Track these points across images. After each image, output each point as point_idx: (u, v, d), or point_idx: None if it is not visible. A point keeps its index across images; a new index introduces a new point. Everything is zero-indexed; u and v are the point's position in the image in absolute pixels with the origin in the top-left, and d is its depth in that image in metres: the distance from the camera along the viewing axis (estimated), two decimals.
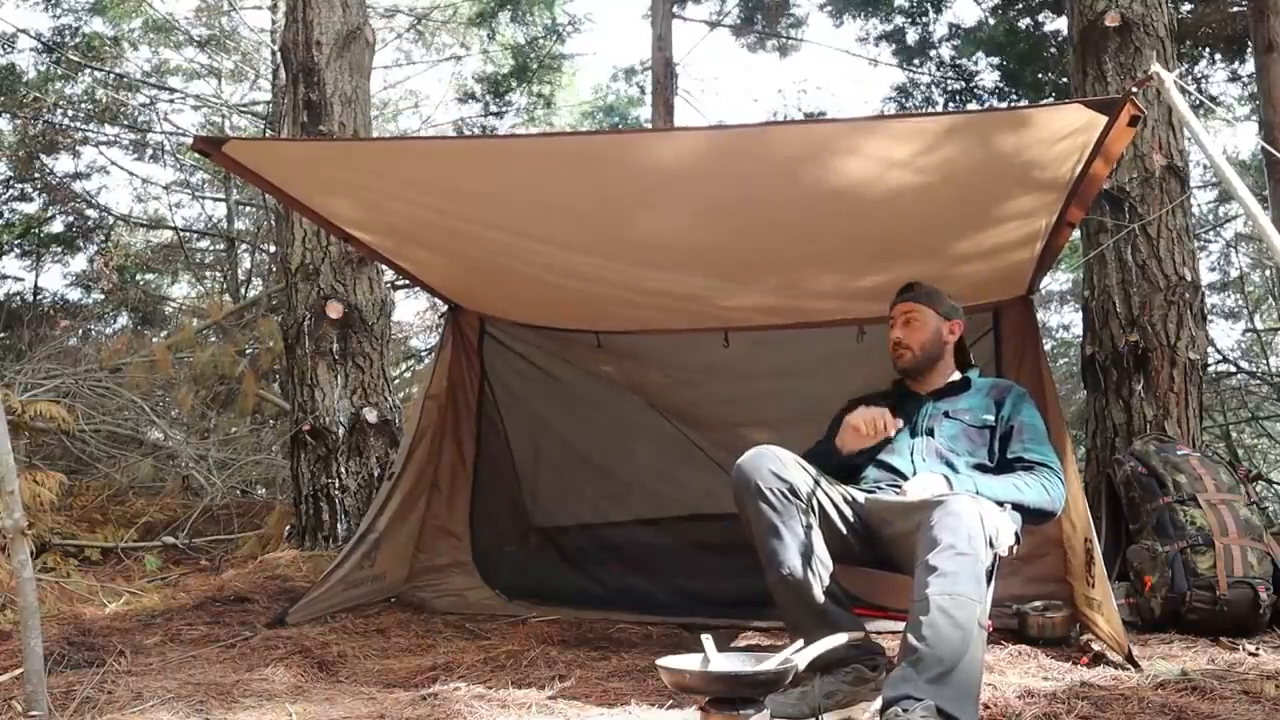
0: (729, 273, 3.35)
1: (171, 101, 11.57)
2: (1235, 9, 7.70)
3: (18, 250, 10.97)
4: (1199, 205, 9.80)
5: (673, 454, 3.95)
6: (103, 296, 11.03)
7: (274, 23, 10.26)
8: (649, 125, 10.81)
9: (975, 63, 9.63)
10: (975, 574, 2.01)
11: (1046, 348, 4.06)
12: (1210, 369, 5.72)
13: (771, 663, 1.87)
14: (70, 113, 10.86)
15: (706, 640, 1.92)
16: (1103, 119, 2.20)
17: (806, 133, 2.98)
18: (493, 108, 12.04)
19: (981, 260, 3.12)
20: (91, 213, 11.31)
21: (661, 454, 3.97)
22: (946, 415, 2.67)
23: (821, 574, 2.28)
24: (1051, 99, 8.39)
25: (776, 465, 2.30)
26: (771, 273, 3.32)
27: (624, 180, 2.75)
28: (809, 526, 2.29)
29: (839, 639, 2.03)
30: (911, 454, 2.61)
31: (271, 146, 3.90)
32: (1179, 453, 3.47)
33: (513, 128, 12.05)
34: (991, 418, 2.65)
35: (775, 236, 3.02)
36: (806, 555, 2.26)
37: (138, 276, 11.66)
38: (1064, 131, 2.33)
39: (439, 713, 2.16)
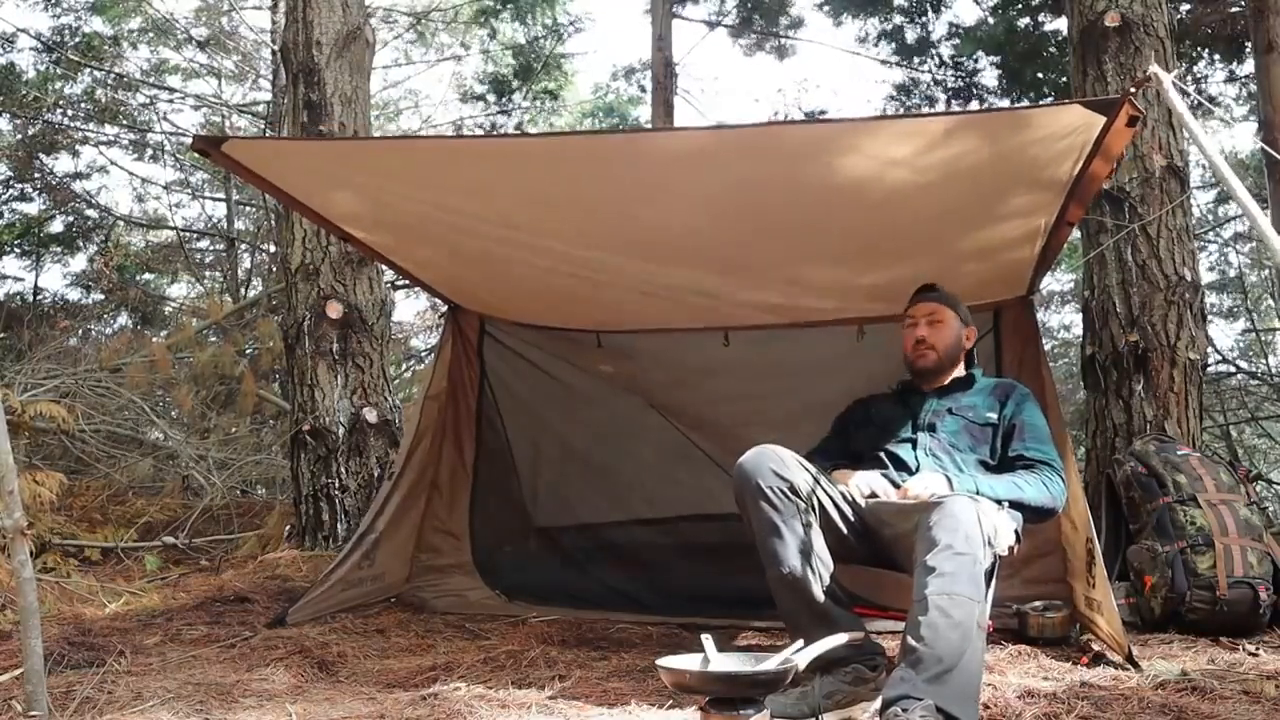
0: (731, 270, 3.35)
1: (171, 101, 11.57)
2: (1235, 9, 7.69)
3: (18, 250, 10.97)
4: (1199, 205, 9.81)
5: (673, 454, 3.95)
6: (103, 296, 11.02)
7: (274, 23, 10.24)
8: (649, 124, 10.81)
9: (975, 62, 9.63)
10: (973, 574, 2.01)
11: (1046, 348, 4.05)
12: (1210, 369, 5.72)
13: (771, 663, 1.87)
14: (70, 113, 10.85)
15: (706, 640, 1.92)
16: (1101, 119, 2.20)
17: (808, 132, 2.98)
18: (494, 108, 12.05)
19: (982, 259, 3.12)
20: (91, 213, 11.31)
21: (661, 454, 3.96)
22: (950, 412, 2.69)
23: (822, 573, 2.28)
24: (1051, 98, 8.39)
25: (777, 464, 2.31)
26: (773, 269, 3.31)
27: (625, 178, 2.75)
28: (809, 525, 2.30)
29: (839, 639, 2.03)
30: (914, 449, 2.62)
31: (270, 146, 3.89)
32: (1179, 453, 3.47)
33: (516, 126, 12.05)
34: (995, 416, 2.66)
35: (777, 234, 3.02)
36: (806, 554, 2.26)
37: (138, 276, 11.66)
38: (1063, 132, 2.33)
39: (439, 713, 2.16)
